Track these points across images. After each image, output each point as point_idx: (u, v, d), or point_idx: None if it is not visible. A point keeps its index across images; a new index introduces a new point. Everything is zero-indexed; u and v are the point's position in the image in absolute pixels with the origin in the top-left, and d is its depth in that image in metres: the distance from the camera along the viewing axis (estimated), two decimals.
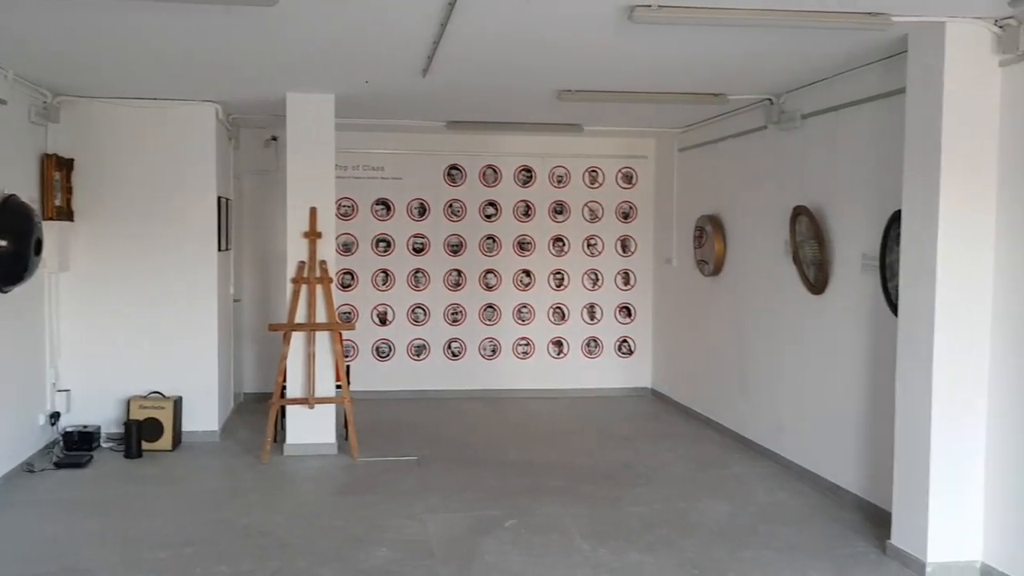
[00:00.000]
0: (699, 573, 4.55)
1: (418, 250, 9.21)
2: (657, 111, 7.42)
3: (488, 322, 9.32)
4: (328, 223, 6.94)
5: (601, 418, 8.41)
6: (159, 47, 5.27)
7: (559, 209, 9.35)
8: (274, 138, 8.71)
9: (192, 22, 4.65)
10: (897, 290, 4.89)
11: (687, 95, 6.56)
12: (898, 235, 4.81)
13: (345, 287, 9.08)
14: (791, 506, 5.68)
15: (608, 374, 9.50)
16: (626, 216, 9.45)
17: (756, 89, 6.47)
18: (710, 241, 7.79)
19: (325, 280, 6.90)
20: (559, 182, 9.34)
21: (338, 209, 8.82)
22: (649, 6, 4.13)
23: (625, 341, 9.52)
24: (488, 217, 9.27)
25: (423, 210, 9.18)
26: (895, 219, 5.05)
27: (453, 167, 9.21)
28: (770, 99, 6.61)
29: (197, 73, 6.05)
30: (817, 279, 6.09)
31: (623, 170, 9.41)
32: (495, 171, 9.26)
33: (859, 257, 5.62)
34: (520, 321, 9.37)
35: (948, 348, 4.45)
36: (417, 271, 9.21)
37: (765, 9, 4.20)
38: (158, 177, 7.15)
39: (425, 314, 9.23)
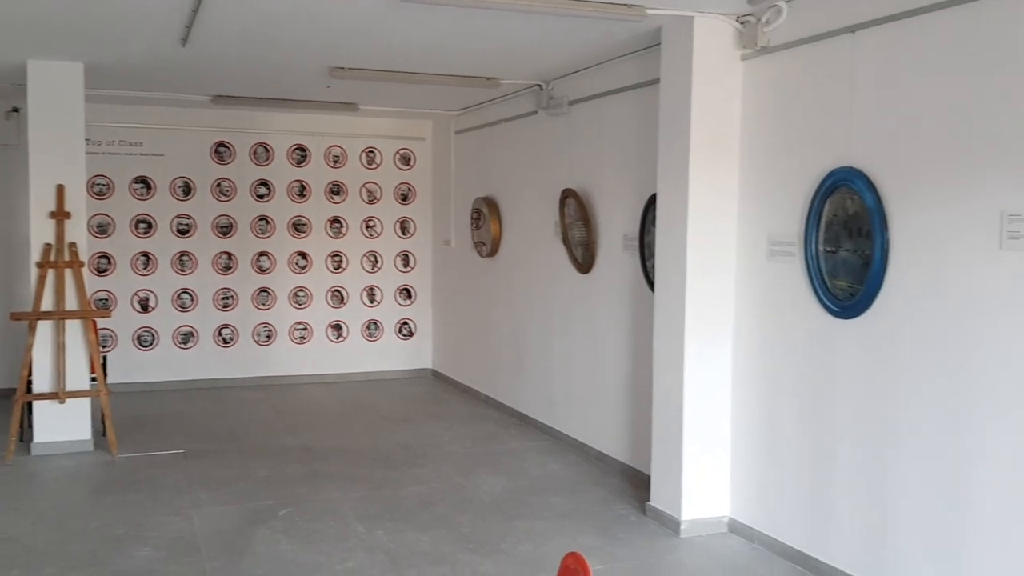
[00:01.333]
0: (474, 547, 4.65)
1: (183, 232, 8.71)
2: (433, 93, 7.44)
3: (262, 307, 9.00)
4: (78, 202, 6.40)
5: (381, 401, 8.37)
6: None
7: (336, 190, 9.16)
8: (15, 109, 7.92)
9: None
10: (654, 268, 5.20)
11: (460, 78, 6.62)
12: (655, 217, 5.11)
13: (101, 272, 8.43)
14: (562, 477, 5.92)
15: (389, 357, 9.46)
16: (405, 198, 9.42)
17: (527, 75, 6.64)
18: (487, 223, 7.94)
19: (75, 264, 6.37)
20: (335, 162, 9.15)
21: (91, 188, 8.18)
22: None
23: (405, 323, 9.52)
24: (260, 197, 8.93)
25: (188, 189, 8.69)
26: (652, 202, 5.36)
27: (221, 144, 8.78)
28: (540, 85, 6.80)
29: None
30: (584, 259, 6.37)
31: (401, 151, 9.37)
32: (267, 149, 8.92)
33: (621, 238, 5.93)
34: (296, 305, 9.12)
35: (697, 323, 4.78)
36: (183, 254, 8.72)
37: None
38: None
39: (192, 299, 8.76)
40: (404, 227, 9.45)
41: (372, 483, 5.73)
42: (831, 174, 4.15)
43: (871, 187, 3.95)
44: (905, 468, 3.81)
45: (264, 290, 9.00)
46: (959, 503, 3.57)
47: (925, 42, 3.71)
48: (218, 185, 8.78)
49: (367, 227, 9.30)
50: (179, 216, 8.68)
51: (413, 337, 9.56)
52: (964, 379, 3.55)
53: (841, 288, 4.16)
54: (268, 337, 9.04)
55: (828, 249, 4.23)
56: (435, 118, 9.10)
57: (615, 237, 6.02)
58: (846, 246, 4.13)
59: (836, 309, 4.18)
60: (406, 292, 9.50)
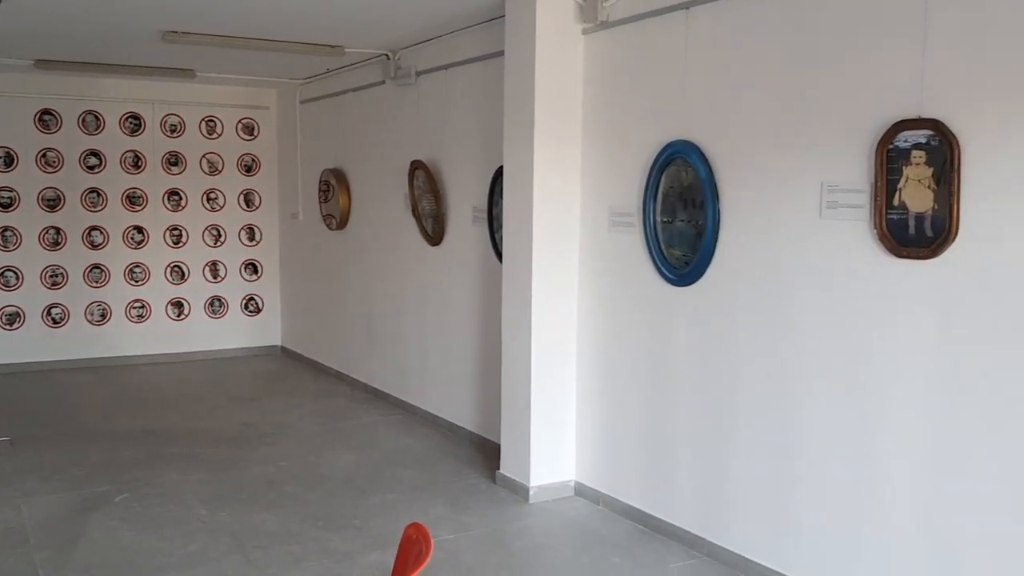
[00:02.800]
0: (323, 524, 4.59)
1: (5, 206, 8.10)
2: (276, 60, 7.18)
3: (95, 284, 8.51)
4: None
5: (227, 380, 8.11)
6: None
7: (174, 161, 8.73)
8: None
9: None
10: (503, 240, 5.25)
11: (304, 45, 6.43)
12: (503, 189, 5.15)
13: None
14: (415, 450, 5.92)
15: (235, 334, 9.15)
16: (249, 169, 9.09)
17: (374, 44, 6.52)
18: (336, 195, 7.78)
19: None
20: (173, 131, 8.70)
21: None
22: None
23: (252, 299, 9.23)
24: (91, 168, 8.40)
25: (10, 160, 8.07)
26: (500, 174, 5.40)
27: (46, 112, 8.18)
28: (387, 54, 6.70)
29: None
30: (435, 231, 6.35)
31: (244, 121, 9.02)
32: (97, 118, 8.39)
33: (471, 209, 5.95)
34: (133, 282, 8.66)
35: (544, 293, 4.87)
36: (5, 229, 8.11)
37: None
38: None
39: (17, 278, 8.18)
40: (248, 200, 9.12)
41: (216, 464, 5.55)
42: (667, 147, 4.30)
43: (704, 160, 4.11)
44: (737, 428, 4.03)
45: (97, 267, 8.50)
46: (787, 461, 3.81)
47: (752, 21, 3.88)
48: (43, 156, 8.20)
49: (208, 199, 8.92)
50: (1, 188, 8.06)
51: (260, 313, 9.28)
52: (789, 342, 3.77)
53: (677, 257, 4.33)
54: (103, 316, 8.56)
55: (665, 220, 4.39)
56: (279, 87, 8.80)
57: (465, 209, 6.03)
58: (681, 217, 4.29)
59: (673, 277, 4.34)
60: (252, 267, 9.20)
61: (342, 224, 7.80)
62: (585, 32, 4.77)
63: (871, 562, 3.47)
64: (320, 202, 8.14)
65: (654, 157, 4.38)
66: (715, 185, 4.07)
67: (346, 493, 5.06)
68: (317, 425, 6.53)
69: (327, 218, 8.04)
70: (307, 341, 8.81)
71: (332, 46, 6.52)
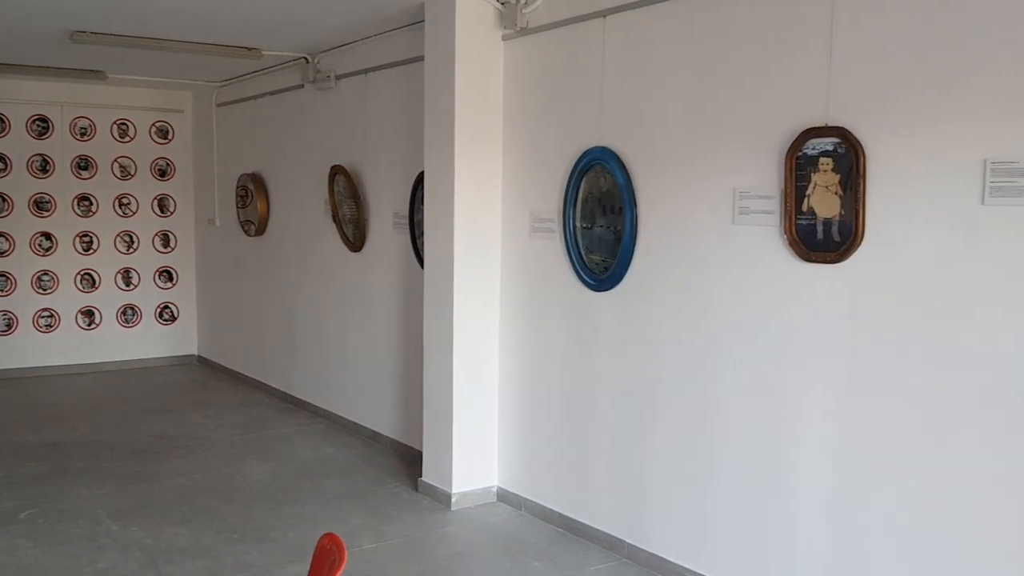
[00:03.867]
0: (239, 537, 4.48)
1: None
2: (191, 62, 7.01)
3: (1, 293, 8.15)
4: None
5: (140, 391, 7.86)
6: None
7: (84, 165, 8.44)
8: None
9: None
10: (424, 246, 5.22)
11: (218, 47, 6.29)
12: (423, 195, 5.12)
13: None
14: (335, 459, 5.83)
15: (149, 343, 8.88)
16: (163, 173, 8.84)
17: (292, 47, 6.42)
18: (254, 201, 7.62)
19: None
20: (83, 134, 8.41)
21: None
22: None
23: (167, 307, 8.97)
24: None
25: None
26: (421, 180, 5.36)
27: None
28: (306, 58, 6.61)
29: None
30: (356, 237, 6.28)
31: (158, 124, 8.77)
32: (2, 120, 8.05)
33: (392, 215, 5.90)
34: (41, 290, 8.33)
35: (466, 300, 4.85)
36: None
37: None
38: None
39: None
40: (163, 205, 8.87)
41: (127, 478, 5.37)
42: (586, 153, 4.33)
43: (622, 166, 4.16)
44: (655, 430, 4.08)
45: (2, 274, 8.15)
46: (703, 461, 3.87)
47: (666, 30, 3.94)
48: None
49: (121, 205, 8.64)
50: None
51: (176, 322, 9.03)
52: (704, 345, 3.84)
53: (597, 262, 4.37)
54: (8, 326, 8.22)
55: (584, 225, 4.42)
56: (195, 89, 8.60)
57: (386, 214, 5.97)
58: (600, 222, 4.33)
59: (593, 283, 4.38)
60: (167, 274, 8.95)
61: (260, 230, 7.65)
62: (505, 38, 4.78)
63: (783, 558, 3.55)
64: (238, 208, 7.97)
65: (573, 163, 4.41)
66: (633, 191, 4.12)
67: (263, 505, 4.95)
68: (234, 436, 6.38)
69: (245, 224, 7.87)
70: (225, 350, 8.61)
71: (249, 48, 6.40)
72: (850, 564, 3.32)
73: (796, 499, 3.49)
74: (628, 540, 4.23)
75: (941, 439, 3.03)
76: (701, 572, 3.88)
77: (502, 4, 4.72)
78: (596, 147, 4.29)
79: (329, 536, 2.32)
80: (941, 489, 3.04)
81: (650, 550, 4.11)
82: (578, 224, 4.44)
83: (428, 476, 5.11)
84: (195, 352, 9.14)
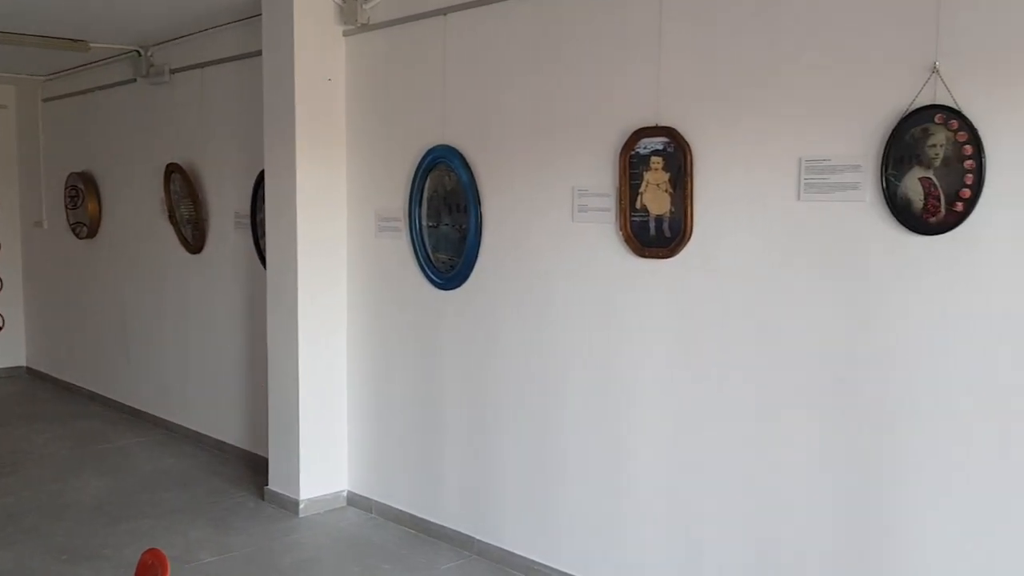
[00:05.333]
0: (69, 557, 4.22)
1: None
2: (11, 54, 6.54)
3: None
4: None
5: None
6: None
7: None
8: None
9: None
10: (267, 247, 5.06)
11: (40, 38, 5.89)
12: (265, 194, 4.96)
13: None
14: (176, 471, 5.58)
15: None
16: None
17: (123, 39, 6.10)
18: (85, 201, 7.20)
19: None
20: None
21: None
22: None
23: None
24: None
25: None
26: (262, 178, 5.20)
27: None
28: (138, 51, 6.29)
29: None
30: (195, 238, 6.03)
31: None
32: None
33: (233, 215, 5.70)
34: None
35: (311, 301, 4.75)
36: None
37: None
38: None
39: None
40: None
41: None
42: (430, 151, 4.32)
43: (466, 165, 4.17)
44: (502, 427, 4.11)
45: None
46: (548, 455, 3.93)
47: (506, 31, 3.98)
48: None
49: None
50: None
51: (1, 331, 8.40)
52: (548, 342, 3.90)
53: (443, 261, 4.36)
54: None
55: (430, 224, 4.41)
56: (19, 83, 8.02)
57: (227, 215, 5.77)
58: (446, 221, 4.33)
59: (440, 281, 4.37)
60: None
61: (92, 232, 7.24)
62: (346, 34, 4.70)
63: (625, 545, 3.65)
64: (67, 209, 7.50)
65: (418, 161, 4.39)
66: (477, 190, 4.14)
67: (96, 522, 4.68)
68: (65, 450, 6.00)
69: (76, 226, 7.42)
70: (56, 360, 8.08)
71: (75, 40, 6.03)
72: (687, 550, 3.45)
73: (636, 487, 3.60)
74: (478, 537, 4.24)
75: (767, 425, 3.19)
76: (548, 564, 3.95)
77: (343, 0, 4.64)
78: (440, 145, 4.28)
79: (151, 551, 2.21)
80: (770, 474, 3.20)
81: (499, 545, 4.14)
82: (424, 223, 4.42)
83: (275, 484, 4.96)
84: (23, 363, 8.54)
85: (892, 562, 2.91)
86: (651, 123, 3.41)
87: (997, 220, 2.64)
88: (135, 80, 6.44)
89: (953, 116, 2.67)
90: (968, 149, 2.65)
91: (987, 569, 2.71)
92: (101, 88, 6.93)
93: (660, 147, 3.37)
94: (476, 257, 4.18)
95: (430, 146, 4.32)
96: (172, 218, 6.13)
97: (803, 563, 3.13)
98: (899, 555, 2.89)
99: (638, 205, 3.46)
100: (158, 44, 6.16)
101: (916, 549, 2.85)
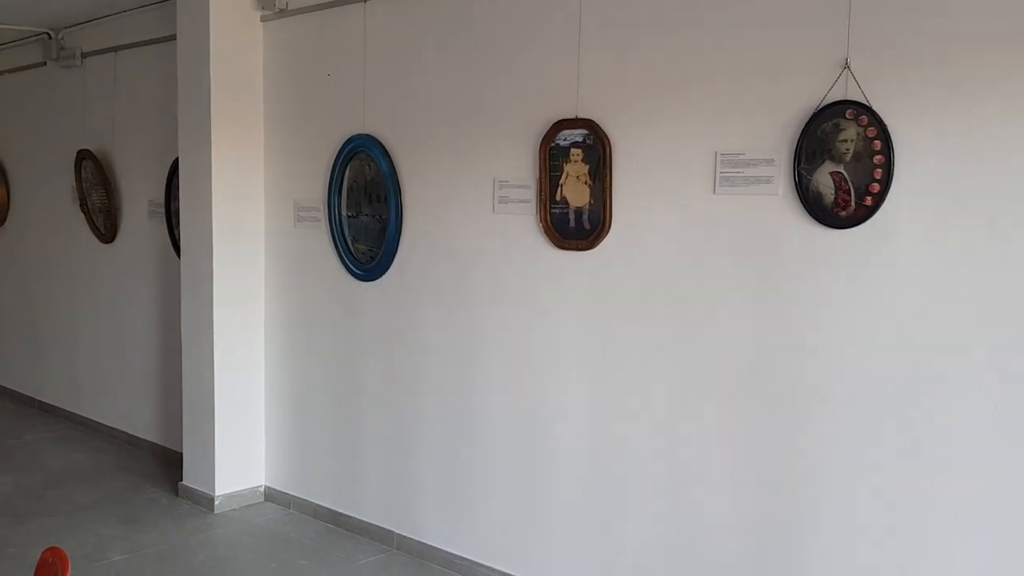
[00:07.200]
0: None
1: None
2: None
3: None
4: None
5: None
6: None
7: None
8: None
9: None
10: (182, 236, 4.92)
11: None
12: (179, 182, 4.82)
13: None
14: (86, 466, 5.40)
15: None
16: None
17: (31, 21, 5.86)
18: None
19: None
20: None
21: None
22: None
23: None
24: None
25: None
26: (177, 167, 5.06)
27: None
28: (48, 33, 6.05)
29: None
30: (107, 227, 5.84)
31: None
32: None
33: (147, 204, 5.53)
34: None
35: (226, 292, 4.63)
36: None
37: None
38: None
39: None
40: None
41: None
42: (349, 140, 4.25)
43: (386, 154, 4.12)
44: (422, 420, 4.08)
45: None
46: (467, 448, 3.91)
47: (427, 19, 3.94)
48: None
49: None
50: None
51: None
52: (468, 333, 3.87)
53: (363, 252, 4.30)
54: None
55: (350, 214, 4.34)
56: None
57: (140, 203, 5.59)
58: (366, 211, 4.27)
59: (360, 272, 4.31)
60: None
61: (0, 221, 6.94)
62: (264, 19, 4.59)
63: (543, 537, 3.66)
64: None
65: (338, 150, 4.32)
66: (397, 180, 4.09)
67: (2, 520, 4.49)
68: None
69: None
70: None
71: None
72: (605, 539, 3.47)
73: (555, 480, 3.61)
74: (397, 531, 4.20)
75: (687, 414, 3.23)
76: (468, 557, 3.93)
77: None
78: (360, 134, 4.21)
79: (52, 549, 2.13)
80: (690, 463, 3.24)
81: (419, 539, 4.11)
82: (344, 213, 4.35)
83: (189, 479, 4.84)
84: None
85: (805, 546, 2.97)
86: (571, 115, 3.41)
87: (905, 214, 2.71)
88: (45, 63, 6.20)
89: (863, 112, 2.74)
90: (877, 144, 2.72)
91: (897, 550, 2.80)
92: (9, 71, 6.65)
93: (580, 139, 3.38)
94: (396, 248, 4.13)
95: (350, 135, 4.26)
96: (83, 206, 5.92)
97: (719, 540, 3.18)
98: (812, 541, 2.95)
99: (558, 197, 3.46)
100: (70, 27, 5.93)
101: (829, 535, 2.92)
